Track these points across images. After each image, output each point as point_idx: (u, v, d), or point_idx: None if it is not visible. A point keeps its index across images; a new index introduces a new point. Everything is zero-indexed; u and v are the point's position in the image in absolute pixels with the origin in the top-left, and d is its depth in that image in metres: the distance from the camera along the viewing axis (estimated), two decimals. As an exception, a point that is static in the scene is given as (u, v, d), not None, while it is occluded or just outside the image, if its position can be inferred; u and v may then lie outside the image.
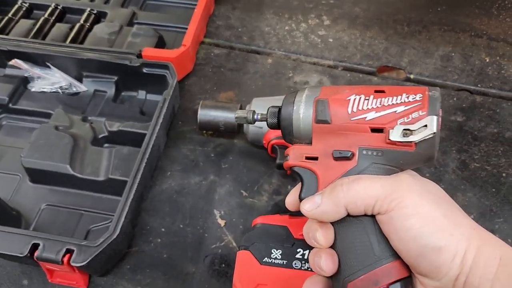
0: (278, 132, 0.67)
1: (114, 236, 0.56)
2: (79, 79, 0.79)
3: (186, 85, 0.82)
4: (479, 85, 0.82)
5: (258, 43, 0.90)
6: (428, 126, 0.38)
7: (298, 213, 0.64)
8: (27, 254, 0.54)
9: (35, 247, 0.55)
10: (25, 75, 0.79)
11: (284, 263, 0.52)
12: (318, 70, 0.85)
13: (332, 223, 0.41)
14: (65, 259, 0.54)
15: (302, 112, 0.43)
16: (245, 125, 0.69)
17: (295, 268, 0.52)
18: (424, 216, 0.36)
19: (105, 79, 0.79)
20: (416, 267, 0.37)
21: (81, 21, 0.87)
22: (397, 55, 0.87)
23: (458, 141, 0.74)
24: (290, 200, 0.46)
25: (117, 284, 0.60)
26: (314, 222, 0.42)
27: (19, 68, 0.78)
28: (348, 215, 0.40)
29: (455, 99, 0.80)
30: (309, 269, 0.51)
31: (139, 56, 0.76)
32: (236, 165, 0.72)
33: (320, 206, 0.40)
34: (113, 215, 0.58)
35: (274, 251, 0.53)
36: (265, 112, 0.47)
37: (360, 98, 0.41)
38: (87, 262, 0.53)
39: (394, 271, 0.37)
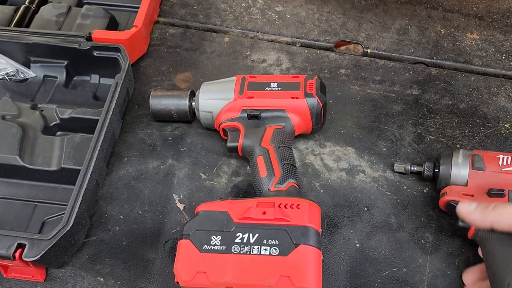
0: (228, 115, 0.66)
1: (68, 228, 0.54)
2: (27, 65, 0.76)
3: (141, 67, 0.80)
4: (434, 58, 0.83)
5: (214, 21, 0.87)
6: None
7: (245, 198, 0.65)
8: (-25, 251, 0.53)
9: (-16, 243, 0.53)
10: (-32, 62, 0.75)
11: (223, 248, 0.52)
12: (275, 48, 0.83)
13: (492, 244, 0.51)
14: (17, 254, 0.52)
15: (461, 164, 0.60)
16: (196, 110, 0.69)
17: (233, 253, 0.51)
18: None
19: (54, 64, 0.75)
20: None
21: (26, 3, 0.82)
22: (355, 29, 0.86)
23: (414, 114, 0.75)
24: (469, 279, 0.57)
25: (76, 275, 0.59)
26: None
27: (-40, 55, 0.73)
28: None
29: (411, 72, 0.80)
30: (248, 253, 0.51)
31: (89, 38, 0.73)
32: (194, 147, 0.71)
33: (472, 213, 0.53)
34: (68, 205, 0.57)
35: (213, 237, 0.52)
36: (421, 165, 0.65)
37: (508, 158, 0.59)
38: (40, 256, 0.52)
39: None
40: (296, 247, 0.50)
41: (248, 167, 0.69)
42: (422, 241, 0.62)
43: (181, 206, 0.65)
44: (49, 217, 0.63)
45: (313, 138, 0.72)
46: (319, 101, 0.65)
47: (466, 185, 0.59)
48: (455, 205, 0.57)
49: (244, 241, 0.51)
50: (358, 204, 0.66)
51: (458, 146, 0.71)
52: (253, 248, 0.51)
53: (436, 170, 0.63)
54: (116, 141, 0.71)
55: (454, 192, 0.59)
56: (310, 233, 0.51)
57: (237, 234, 0.52)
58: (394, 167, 0.67)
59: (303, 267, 0.49)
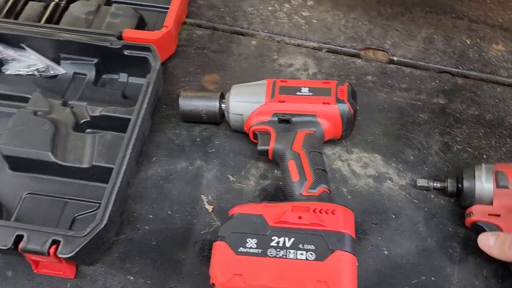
0: (259, 118, 0.67)
1: (102, 225, 0.55)
2: (57, 61, 0.76)
3: (169, 68, 0.80)
4: (460, 67, 0.83)
5: (241, 24, 0.88)
6: None
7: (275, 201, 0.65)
8: (11, 246, 0.53)
9: (19, 238, 0.53)
10: (-2, 57, 0.75)
11: (259, 251, 0.52)
12: (302, 52, 0.84)
13: None
14: (52, 250, 0.53)
15: (484, 180, 0.59)
16: (226, 112, 0.69)
17: (269, 256, 0.51)
18: None
19: (84, 62, 0.76)
20: None
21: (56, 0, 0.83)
22: (381, 37, 0.87)
23: (440, 123, 0.75)
24: None
25: (106, 273, 0.59)
26: None
27: (-8, 50, 0.74)
28: None
29: (437, 81, 0.81)
30: (284, 257, 0.51)
31: (120, 37, 0.74)
32: (222, 149, 0.71)
33: (492, 249, 0.56)
34: (99, 203, 0.57)
35: (249, 240, 0.52)
36: (443, 181, 0.64)
37: None
38: (74, 253, 0.52)
39: None
40: (332, 253, 0.50)
41: (276, 171, 0.69)
42: (450, 250, 0.62)
43: (209, 208, 0.65)
44: (79, 214, 0.63)
45: (340, 144, 0.72)
46: (350, 107, 0.65)
47: (491, 203, 0.59)
48: (482, 225, 0.59)
49: (280, 245, 0.51)
50: (386, 211, 0.66)
51: (484, 156, 0.71)
52: (289, 252, 0.51)
53: (460, 185, 0.63)
54: (145, 140, 0.71)
55: (480, 212, 0.59)
56: (346, 239, 0.52)
57: (273, 238, 0.52)
58: (417, 183, 0.66)
59: (340, 273, 0.49)
